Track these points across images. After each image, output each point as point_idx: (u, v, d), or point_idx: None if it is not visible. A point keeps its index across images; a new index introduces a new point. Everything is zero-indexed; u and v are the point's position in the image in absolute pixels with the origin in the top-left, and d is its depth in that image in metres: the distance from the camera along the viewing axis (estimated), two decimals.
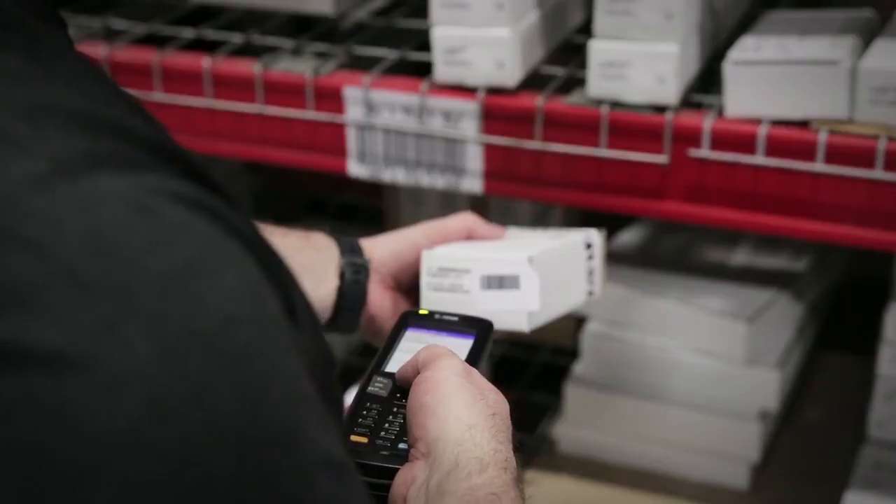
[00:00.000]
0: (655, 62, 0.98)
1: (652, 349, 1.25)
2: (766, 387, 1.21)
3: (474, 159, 1.06)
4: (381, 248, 0.90)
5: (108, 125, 0.44)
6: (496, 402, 0.64)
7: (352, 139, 1.09)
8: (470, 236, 0.91)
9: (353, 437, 0.66)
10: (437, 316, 0.76)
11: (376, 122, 1.07)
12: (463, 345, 0.73)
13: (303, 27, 1.20)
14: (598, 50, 0.99)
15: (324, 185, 1.56)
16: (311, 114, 1.09)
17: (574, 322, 1.31)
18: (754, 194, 0.98)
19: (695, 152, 0.99)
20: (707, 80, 1.05)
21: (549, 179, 1.04)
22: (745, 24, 1.09)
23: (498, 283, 0.83)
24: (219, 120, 1.13)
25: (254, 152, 1.14)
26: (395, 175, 1.09)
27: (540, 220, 1.37)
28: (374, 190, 1.41)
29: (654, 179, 1.01)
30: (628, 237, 1.35)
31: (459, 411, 0.61)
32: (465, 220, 0.91)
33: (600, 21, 0.99)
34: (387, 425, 0.67)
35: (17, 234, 0.39)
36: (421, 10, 1.10)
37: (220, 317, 0.41)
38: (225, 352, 0.41)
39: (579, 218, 1.37)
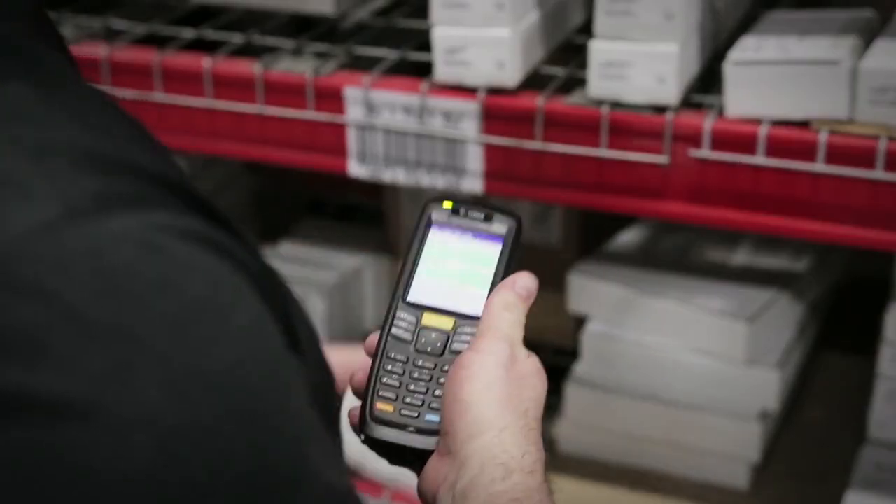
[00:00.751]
0: (656, 62, 0.98)
1: (652, 349, 1.25)
2: (766, 387, 1.21)
3: (474, 159, 1.06)
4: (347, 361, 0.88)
5: (115, 162, 0.44)
6: (532, 390, 0.62)
7: (352, 139, 1.09)
8: None
9: (379, 405, 0.63)
10: (462, 211, 0.69)
11: (377, 122, 1.07)
12: (492, 252, 0.68)
13: (303, 27, 1.20)
14: (599, 50, 0.99)
15: (324, 185, 1.56)
16: (311, 114, 1.09)
17: (574, 322, 1.31)
18: (754, 194, 0.98)
19: (695, 152, 0.99)
20: (707, 81, 1.04)
21: (549, 179, 1.04)
22: (745, 25, 1.09)
23: None
24: (219, 120, 1.13)
25: (254, 152, 1.14)
26: (395, 175, 1.09)
27: (540, 220, 1.37)
28: (375, 190, 1.41)
29: (654, 179, 1.01)
30: (628, 237, 1.35)
31: (492, 414, 0.60)
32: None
33: (601, 21, 0.99)
34: (412, 386, 0.64)
35: (25, 281, 0.39)
36: (421, 10, 1.10)
37: (229, 358, 0.41)
38: (233, 393, 0.41)
39: (579, 218, 1.37)
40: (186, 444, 0.40)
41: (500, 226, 0.68)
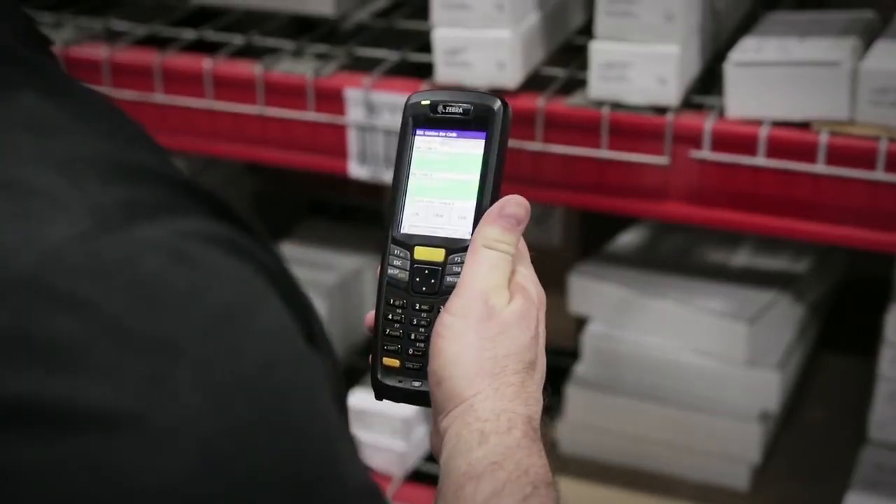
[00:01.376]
0: (656, 63, 0.98)
1: (652, 350, 1.25)
2: (766, 388, 1.21)
3: None
4: None
5: (136, 170, 0.45)
6: (511, 342, 0.61)
7: (352, 140, 1.09)
8: None
9: (386, 360, 0.64)
10: (440, 108, 0.65)
11: (377, 123, 1.07)
12: (476, 152, 0.65)
13: (303, 28, 1.20)
14: (599, 51, 0.99)
15: (324, 186, 1.56)
16: (311, 115, 1.09)
17: (575, 323, 1.31)
18: (755, 195, 0.98)
19: (695, 153, 0.99)
20: (708, 82, 1.05)
21: (549, 180, 1.04)
22: (745, 25, 1.09)
23: None
24: (220, 121, 1.13)
25: (254, 153, 1.14)
26: None
27: (541, 220, 1.37)
28: (375, 191, 1.41)
29: (654, 180, 1.01)
30: (629, 238, 1.35)
31: (464, 384, 0.60)
32: None
33: (601, 22, 0.99)
34: (413, 335, 0.64)
35: (62, 292, 0.40)
36: (422, 11, 1.10)
37: (261, 360, 0.42)
38: (267, 395, 0.42)
39: (580, 219, 1.37)
40: (227, 448, 0.40)
41: (483, 115, 0.65)
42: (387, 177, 1.09)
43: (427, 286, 0.64)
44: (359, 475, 0.46)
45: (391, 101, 1.06)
